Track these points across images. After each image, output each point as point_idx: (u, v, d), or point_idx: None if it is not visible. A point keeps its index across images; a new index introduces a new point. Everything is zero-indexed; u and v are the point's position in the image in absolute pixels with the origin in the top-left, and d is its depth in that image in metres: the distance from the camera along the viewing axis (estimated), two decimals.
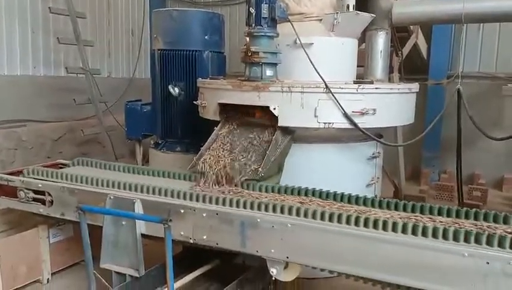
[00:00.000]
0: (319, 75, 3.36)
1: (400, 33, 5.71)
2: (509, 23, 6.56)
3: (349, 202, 2.93)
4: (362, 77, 4.40)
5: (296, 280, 3.62)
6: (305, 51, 3.51)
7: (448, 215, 2.70)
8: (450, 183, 6.52)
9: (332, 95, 3.30)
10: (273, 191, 3.12)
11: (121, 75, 8.59)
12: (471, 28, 7.11)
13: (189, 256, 3.37)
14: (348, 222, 2.48)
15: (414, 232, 2.36)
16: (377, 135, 3.95)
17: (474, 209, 2.68)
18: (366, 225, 2.43)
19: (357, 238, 2.41)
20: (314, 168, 3.73)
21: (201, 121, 3.99)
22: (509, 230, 2.39)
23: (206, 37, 4.60)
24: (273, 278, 2.73)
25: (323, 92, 3.33)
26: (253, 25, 3.47)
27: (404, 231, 2.37)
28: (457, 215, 2.68)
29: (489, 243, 2.22)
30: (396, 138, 5.73)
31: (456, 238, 2.26)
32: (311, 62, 3.44)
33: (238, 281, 3.11)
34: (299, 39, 3.58)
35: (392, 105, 3.56)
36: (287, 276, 2.79)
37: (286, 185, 3.18)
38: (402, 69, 5.57)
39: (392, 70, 5.50)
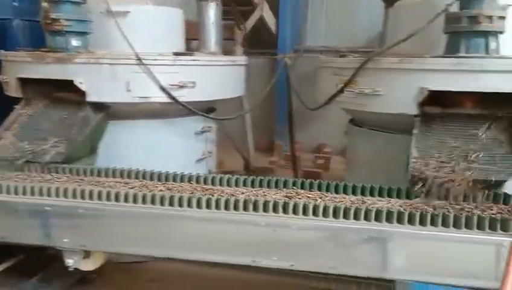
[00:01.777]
0: (130, 45, 3.13)
1: (243, 6, 5.69)
2: None
3: (167, 180, 2.75)
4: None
5: (123, 265, 3.45)
6: (115, 19, 3.23)
7: (277, 186, 2.67)
8: (298, 153, 6.81)
9: (145, 66, 3.10)
10: (86, 174, 2.85)
11: None
12: (316, 1, 7.39)
13: None
14: (144, 201, 2.34)
15: (217, 207, 2.29)
16: (207, 108, 3.87)
17: (300, 179, 2.67)
18: (172, 203, 2.32)
19: (155, 218, 2.30)
20: (138, 146, 3.52)
21: (9, 99, 3.50)
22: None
23: (15, 3, 4.04)
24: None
25: (136, 64, 3.11)
26: None
27: (208, 206, 2.29)
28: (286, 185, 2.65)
29: (286, 211, 2.24)
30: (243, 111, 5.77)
31: (255, 209, 2.26)
32: (121, 31, 3.19)
33: (42, 274, 2.84)
34: (109, 7, 3.29)
35: (213, 78, 3.49)
36: (89, 265, 2.60)
37: (100, 166, 2.93)
38: (246, 42, 5.56)
39: (235, 43, 5.46)
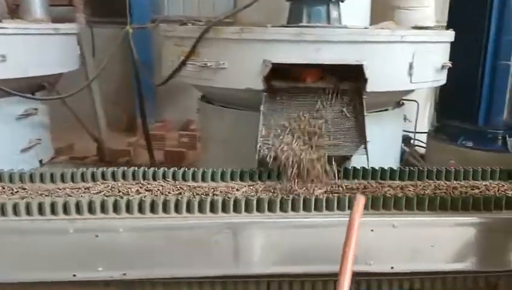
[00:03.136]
0: None
1: None
2: None
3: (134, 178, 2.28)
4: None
5: None
6: None
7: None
8: (161, 132, 6.37)
9: None
10: (33, 181, 2.20)
11: None
12: None
13: None
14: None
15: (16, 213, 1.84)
16: (34, 86, 3.22)
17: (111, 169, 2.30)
18: None
19: None
20: None
21: None
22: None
23: None
24: None
25: None
26: None
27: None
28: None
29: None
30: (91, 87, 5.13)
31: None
32: None
33: None
34: None
35: (30, 50, 2.87)
36: None
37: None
38: (88, 9, 4.87)
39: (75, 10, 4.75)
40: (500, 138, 3.22)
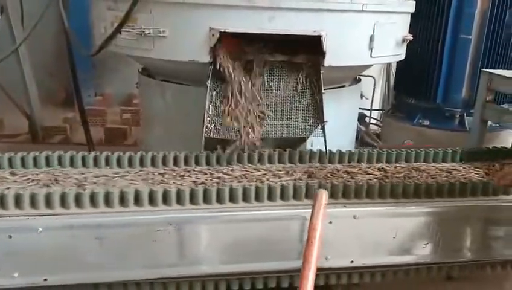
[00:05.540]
0: None
1: None
2: None
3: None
4: None
5: None
6: None
7: None
8: (102, 107, 5.90)
9: None
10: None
11: None
12: None
13: None
14: None
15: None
16: None
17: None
18: None
19: None
20: None
21: None
22: None
23: None
24: None
25: None
26: None
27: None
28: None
29: None
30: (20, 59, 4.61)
31: None
32: None
33: None
34: None
35: None
36: None
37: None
38: None
39: None
40: (457, 116, 3.14)
